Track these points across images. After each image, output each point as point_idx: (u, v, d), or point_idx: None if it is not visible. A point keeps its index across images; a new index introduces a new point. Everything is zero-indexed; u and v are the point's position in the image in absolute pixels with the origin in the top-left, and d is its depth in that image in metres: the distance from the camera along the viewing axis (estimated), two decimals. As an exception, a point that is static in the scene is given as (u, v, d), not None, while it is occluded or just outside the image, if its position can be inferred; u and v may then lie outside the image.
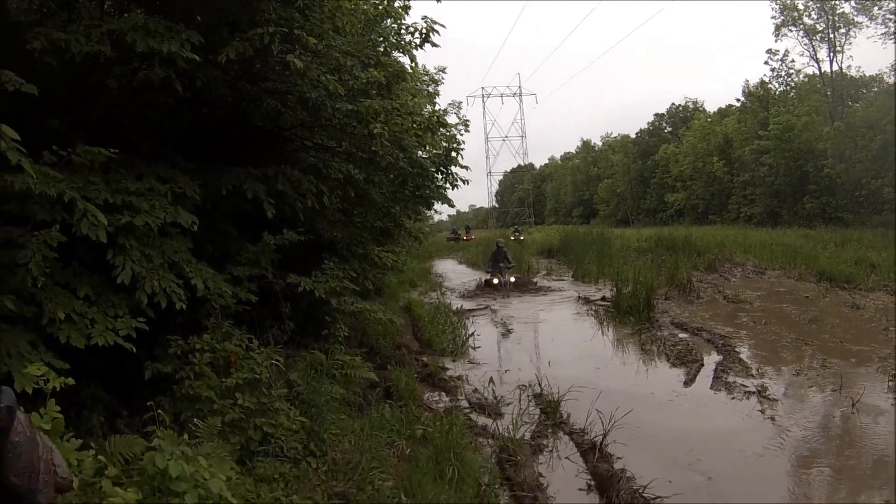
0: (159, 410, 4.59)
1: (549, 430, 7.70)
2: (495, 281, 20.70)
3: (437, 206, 12.56)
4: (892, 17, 36.88)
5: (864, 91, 43.12)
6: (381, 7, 8.88)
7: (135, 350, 4.83)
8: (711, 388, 9.15)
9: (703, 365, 10.19)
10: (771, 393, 8.67)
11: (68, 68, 5.36)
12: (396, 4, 8.98)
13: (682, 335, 12.54)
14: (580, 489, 6.16)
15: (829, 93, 42.61)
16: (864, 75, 43.50)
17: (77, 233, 4.52)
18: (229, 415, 5.27)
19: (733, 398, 8.64)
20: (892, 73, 33.66)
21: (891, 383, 8.76)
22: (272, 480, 4.96)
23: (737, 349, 11.12)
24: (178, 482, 3.50)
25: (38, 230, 4.45)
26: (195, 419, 5.02)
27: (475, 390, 9.37)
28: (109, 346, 4.62)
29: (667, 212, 60.96)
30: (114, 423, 5.22)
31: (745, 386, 9.01)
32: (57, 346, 4.49)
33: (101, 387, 5.31)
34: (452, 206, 12.11)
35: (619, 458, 6.61)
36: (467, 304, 18.07)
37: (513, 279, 20.97)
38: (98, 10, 5.57)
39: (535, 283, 22.21)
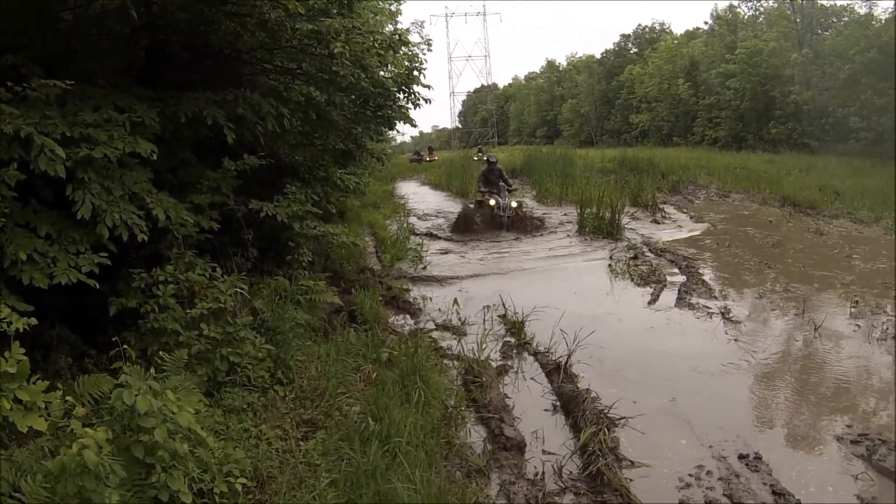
0: (125, 346, 4.61)
1: (514, 351, 7.84)
2: (492, 202, 16.16)
3: (400, 126, 12.46)
4: None
5: (835, 20, 42.85)
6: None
7: (98, 286, 4.80)
8: (675, 307, 9.36)
9: (666, 285, 10.42)
10: (734, 314, 8.88)
11: (23, 2, 5.13)
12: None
13: (646, 255, 12.75)
14: (545, 410, 6.29)
15: (798, 20, 42.58)
16: (835, 4, 43.25)
17: (35, 170, 4.43)
18: (195, 346, 5.31)
19: (697, 318, 8.84)
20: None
21: (853, 309, 9.03)
22: (241, 411, 5.05)
23: (700, 270, 11.34)
24: (147, 418, 3.53)
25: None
26: (161, 353, 5.05)
27: (439, 310, 9.48)
28: (73, 284, 4.59)
29: (631, 133, 60.70)
30: (81, 362, 5.24)
31: (707, 307, 9.21)
32: (19, 287, 4.46)
33: (67, 327, 5.29)
34: (415, 125, 12.01)
35: (584, 378, 6.77)
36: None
37: (514, 203, 16.35)
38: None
39: (542, 219, 17.02)
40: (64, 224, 4.88)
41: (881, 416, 5.96)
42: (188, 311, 5.55)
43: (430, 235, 16.16)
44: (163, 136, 6.02)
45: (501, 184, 17.19)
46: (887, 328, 8.19)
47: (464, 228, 16.32)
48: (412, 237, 15.09)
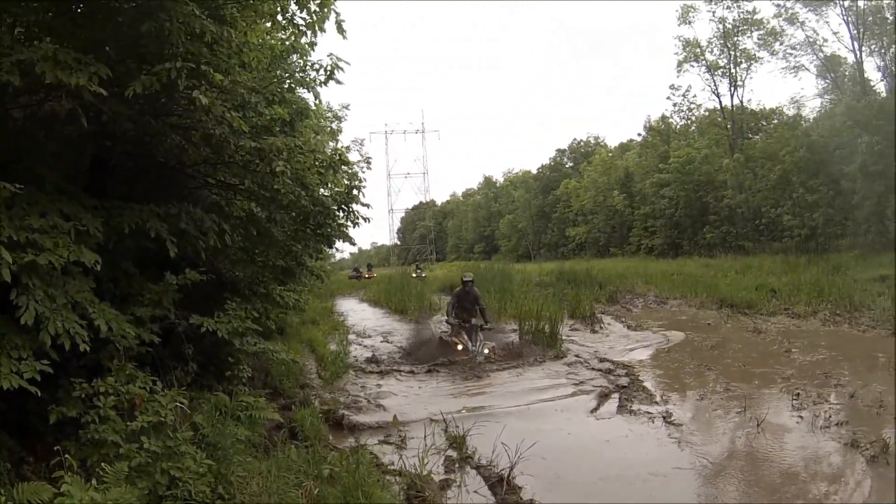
0: (66, 455, 4.44)
1: (457, 465, 7.77)
2: (459, 347, 13.63)
3: (339, 244, 12.57)
4: (792, 52, 39.67)
5: (764, 123, 45.91)
6: (287, 43, 8.97)
7: (39, 393, 4.65)
8: (617, 414, 9.46)
9: (607, 394, 10.52)
10: (676, 418, 9.02)
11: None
12: (303, 41, 9.08)
13: (586, 365, 12.88)
14: (491, 522, 6.19)
15: (729, 126, 45.15)
16: (764, 108, 46.38)
17: (-21, 272, 4.36)
18: (136, 459, 5.12)
19: (639, 424, 8.94)
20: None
21: (794, 402, 9.30)
22: (182, 525, 4.85)
23: (640, 377, 11.56)
24: (88, 530, 3.39)
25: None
26: (102, 464, 4.86)
27: (378, 424, 9.37)
28: (14, 389, 4.44)
29: (568, 246, 62.52)
30: (20, 469, 4.99)
31: (649, 412, 9.35)
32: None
33: (6, 432, 5.08)
34: (354, 244, 12.14)
35: (528, 489, 6.75)
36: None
37: (486, 351, 13.36)
38: (8, 37, 5.43)
39: (521, 348, 14.48)
40: (8, 328, 4.76)
41: (833, 500, 6.08)
42: (129, 423, 5.39)
43: (375, 362, 14.26)
44: (106, 246, 5.98)
45: (475, 319, 14.09)
46: (829, 416, 8.47)
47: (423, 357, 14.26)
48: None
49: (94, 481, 4.11)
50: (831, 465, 7.05)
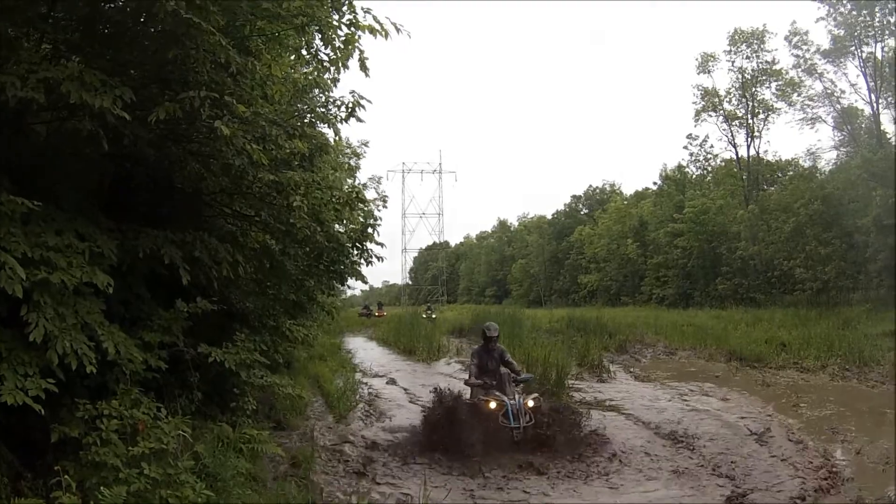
0: (65, 475, 4.40)
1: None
2: (493, 404, 9.85)
3: (351, 281, 12.58)
4: (809, 103, 39.58)
5: (780, 175, 45.70)
6: (311, 78, 9.08)
7: (43, 411, 4.63)
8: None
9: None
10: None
11: (-1, 110, 5.28)
12: (326, 76, 9.18)
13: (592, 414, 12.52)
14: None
15: (745, 176, 44.89)
16: (780, 159, 46.13)
17: (-7, 286, 4.38)
18: (135, 485, 5.06)
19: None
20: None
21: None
22: (178, 555, 4.77)
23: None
24: (82, 553, 3.34)
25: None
26: (101, 487, 4.81)
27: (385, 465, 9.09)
28: (18, 406, 4.43)
29: (580, 293, 62.30)
30: (17, 484, 4.96)
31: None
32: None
33: (6, 446, 5.05)
34: (366, 282, 12.16)
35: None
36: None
37: (531, 403, 9.89)
38: (35, 53, 5.52)
39: (582, 418, 10.55)
40: (15, 344, 4.79)
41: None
42: (130, 448, 5.34)
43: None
44: (119, 269, 6.01)
45: (503, 371, 10.81)
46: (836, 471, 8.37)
47: (444, 445, 9.54)
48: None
49: (91, 503, 4.06)
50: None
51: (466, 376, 11.21)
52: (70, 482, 4.42)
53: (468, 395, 10.83)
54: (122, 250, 6.07)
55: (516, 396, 10.03)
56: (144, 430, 5.61)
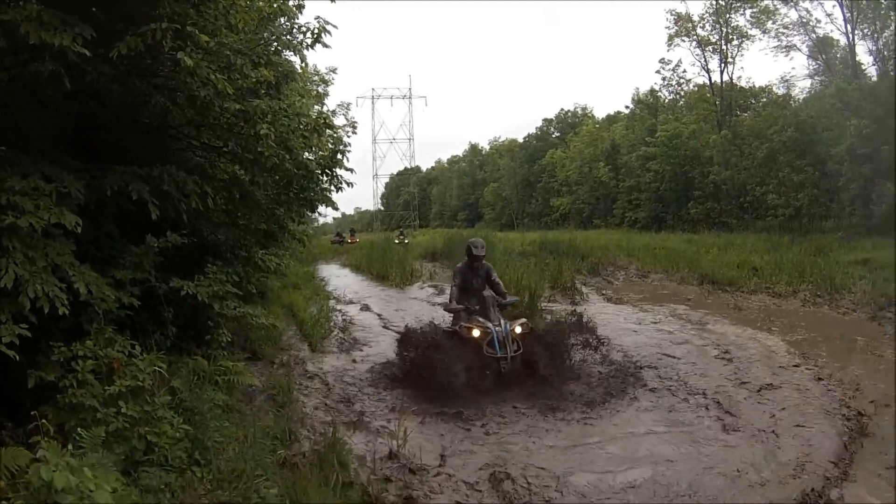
0: (43, 420, 4.46)
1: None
2: (476, 332, 9.11)
3: (322, 208, 12.50)
4: (784, 31, 39.17)
5: (753, 101, 45.37)
6: (275, 5, 8.86)
7: (18, 358, 4.65)
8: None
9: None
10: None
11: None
12: (290, 3, 8.96)
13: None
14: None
15: (717, 102, 44.55)
16: (754, 86, 45.69)
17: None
18: (113, 424, 5.15)
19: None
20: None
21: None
22: (158, 491, 4.88)
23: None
24: (64, 494, 3.43)
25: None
26: (79, 429, 4.89)
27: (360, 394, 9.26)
28: (-7, 355, 4.45)
29: (552, 216, 62.42)
30: (-2, 435, 5.01)
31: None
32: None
33: (-17, 398, 5.09)
34: (336, 208, 12.06)
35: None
36: None
37: (518, 329, 9.15)
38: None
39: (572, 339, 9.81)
40: (-14, 291, 4.75)
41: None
42: (106, 387, 5.41)
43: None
44: (87, 208, 5.95)
45: (487, 294, 10.13)
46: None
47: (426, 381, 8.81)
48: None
49: (70, 446, 4.15)
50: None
51: (441, 301, 10.83)
52: (49, 427, 4.47)
53: (448, 322, 10.25)
54: (90, 189, 5.98)
55: (502, 322, 9.21)
56: (120, 369, 5.65)
